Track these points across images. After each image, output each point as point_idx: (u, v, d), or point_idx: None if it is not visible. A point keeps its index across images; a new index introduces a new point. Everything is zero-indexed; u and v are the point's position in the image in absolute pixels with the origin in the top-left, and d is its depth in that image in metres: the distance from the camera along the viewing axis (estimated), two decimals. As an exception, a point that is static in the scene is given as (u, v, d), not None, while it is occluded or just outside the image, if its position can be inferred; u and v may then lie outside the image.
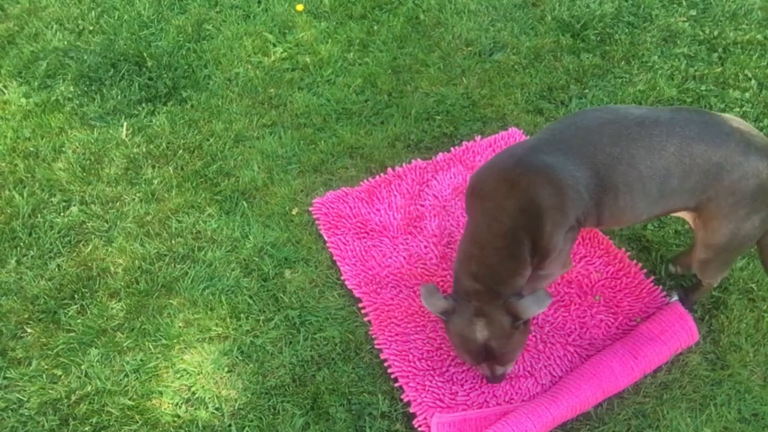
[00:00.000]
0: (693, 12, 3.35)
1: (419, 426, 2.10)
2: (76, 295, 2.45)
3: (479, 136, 2.87)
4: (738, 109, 2.88)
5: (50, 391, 2.22)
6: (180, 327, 2.36)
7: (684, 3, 3.40)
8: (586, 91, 3.04)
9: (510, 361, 2.04)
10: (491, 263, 1.90)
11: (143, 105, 3.08)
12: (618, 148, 1.81)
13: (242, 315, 2.38)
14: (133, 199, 2.74)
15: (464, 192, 2.09)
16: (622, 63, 3.15)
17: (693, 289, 2.31)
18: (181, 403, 2.19)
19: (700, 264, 2.07)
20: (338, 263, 2.50)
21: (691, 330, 2.15)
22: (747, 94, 2.93)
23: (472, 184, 2.01)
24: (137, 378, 2.24)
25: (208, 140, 2.94)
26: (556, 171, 1.82)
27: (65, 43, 3.37)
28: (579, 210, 1.86)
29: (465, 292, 1.95)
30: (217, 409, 2.18)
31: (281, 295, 2.43)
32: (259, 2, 3.54)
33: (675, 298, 2.32)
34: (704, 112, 1.93)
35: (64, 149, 2.93)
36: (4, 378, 2.26)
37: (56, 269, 2.53)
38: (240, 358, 2.28)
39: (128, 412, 2.17)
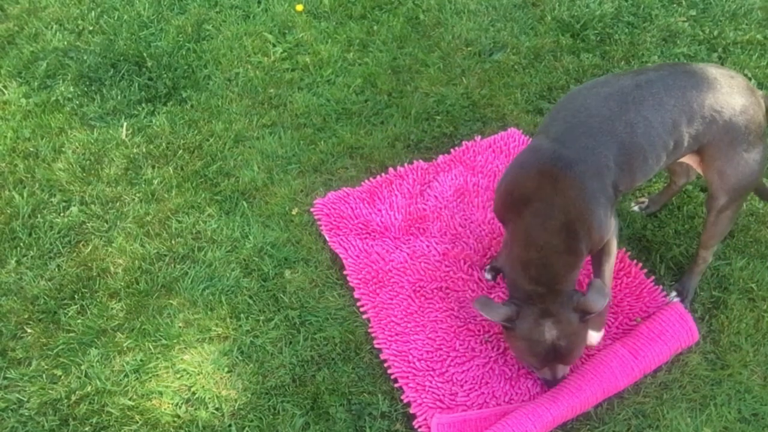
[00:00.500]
0: (693, 12, 3.35)
1: (419, 427, 2.10)
2: (76, 295, 2.45)
3: (479, 136, 2.87)
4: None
5: (50, 392, 2.22)
6: (180, 327, 2.36)
7: (684, 3, 3.40)
8: (586, 91, 3.04)
9: (575, 359, 2.04)
10: (551, 263, 1.90)
11: (143, 105, 3.08)
12: (631, 114, 1.93)
13: (242, 315, 2.38)
14: (133, 200, 2.74)
15: (498, 200, 2.06)
16: (622, 63, 3.15)
17: (688, 275, 2.33)
18: (181, 403, 2.19)
19: (718, 213, 2.15)
20: (342, 258, 2.49)
21: (692, 330, 2.15)
22: (747, 94, 2.93)
23: (508, 189, 2.00)
24: (137, 378, 2.24)
25: (208, 140, 2.94)
26: (591, 157, 1.89)
27: (65, 43, 3.37)
28: (615, 183, 1.94)
29: (526, 296, 1.94)
30: (217, 409, 2.18)
31: (281, 295, 2.43)
32: (259, 2, 3.54)
33: (674, 294, 2.33)
34: (684, 64, 2.09)
35: (64, 149, 2.93)
36: (4, 378, 2.26)
37: (56, 269, 2.53)
38: (240, 358, 2.28)
39: (128, 413, 2.17)
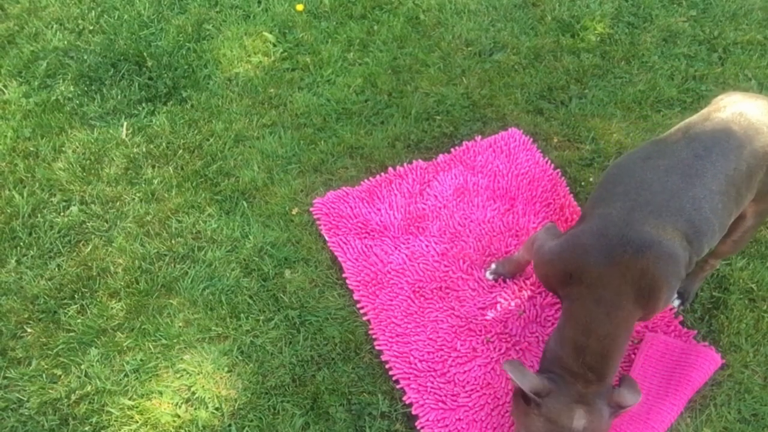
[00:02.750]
0: (693, 12, 3.35)
1: (421, 427, 2.10)
2: (76, 295, 2.45)
3: (479, 136, 2.88)
4: (738, 110, 2.88)
5: (50, 391, 2.22)
6: (180, 327, 2.36)
7: (684, 3, 3.40)
8: (586, 91, 3.04)
9: None
10: (608, 352, 1.78)
11: (143, 105, 3.08)
12: (697, 188, 1.83)
13: (242, 315, 2.38)
14: (133, 199, 2.74)
15: (552, 275, 1.95)
16: (622, 63, 3.15)
17: (692, 279, 2.33)
18: (181, 403, 2.19)
19: (743, 233, 2.14)
20: (340, 261, 2.50)
21: (718, 362, 2.17)
22: (747, 95, 2.93)
23: (567, 269, 1.87)
24: (137, 378, 2.24)
25: (208, 140, 2.94)
26: (664, 238, 1.77)
27: (65, 42, 3.37)
28: (688, 262, 1.85)
29: (569, 373, 1.80)
30: (216, 409, 2.18)
31: (281, 295, 2.43)
32: (259, 2, 3.54)
33: (674, 296, 2.32)
34: (722, 114, 1.98)
35: (64, 149, 2.92)
36: (4, 378, 2.26)
37: (56, 269, 2.53)
38: (240, 358, 2.28)
39: (128, 412, 2.17)
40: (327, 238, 2.57)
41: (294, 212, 2.68)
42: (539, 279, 2.09)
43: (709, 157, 1.87)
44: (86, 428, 2.15)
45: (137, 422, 2.15)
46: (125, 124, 3.02)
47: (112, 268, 2.53)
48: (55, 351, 2.31)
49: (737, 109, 1.97)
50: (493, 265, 2.44)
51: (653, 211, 1.80)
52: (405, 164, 2.79)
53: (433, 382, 2.19)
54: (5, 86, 3.21)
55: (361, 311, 2.38)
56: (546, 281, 2.02)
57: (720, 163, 1.87)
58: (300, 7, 3.46)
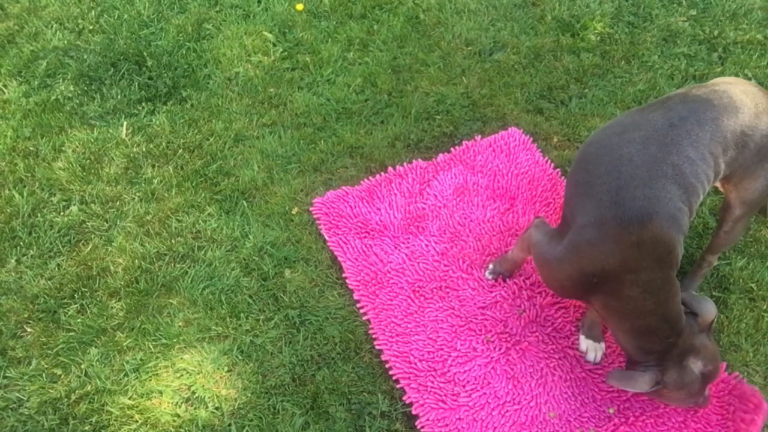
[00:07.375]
0: (693, 12, 3.35)
1: (421, 427, 2.10)
2: (76, 295, 2.45)
3: (479, 136, 2.87)
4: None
5: (50, 391, 2.22)
6: (180, 326, 2.36)
7: (684, 3, 3.40)
8: (586, 90, 3.04)
9: (720, 371, 1.97)
10: (668, 315, 1.84)
11: (143, 104, 3.08)
12: (675, 156, 1.86)
13: (242, 314, 2.38)
14: (133, 199, 2.74)
15: (569, 284, 1.96)
16: (622, 63, 3.15)
17: (691, 278, 2.34)
18: (181, 403, 2.19)
19: (733, 223, 2.16)
20: (340, 260, 2.50)
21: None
22: (747, 94, 2.93)
23: (585, 271, 1.87)
24: (137, 377, 2.24)
25: (208, 140, 2.94)
26: (659, 204, 1.80)
27: (65, 42, 3.37)
28: (686, 223, 1.89)
29: (661, 353, 1.87)
30: (216, 408, 2.18)
31: (281, 294, 2.43)
32: (259, 2, 3.53)
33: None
34: (707, 88, 2.00)
35: (64, 149, 2.92)
36: (4, 377, 2.26)
37: (56, 268, 2.53)
38: (240, 357, 2.28)
39: (128, 412, 2.17)
40: (327, 238, 2.57)
41: (294, 212, 2.68)
42: (556, 292, 2.10)
43: (684, 125, 1.90)
44: (86, 428, 2.15)
45: (137, 422, 2.15)
46: (125, 123, 3.02)
47: (112, 267, 2.53)
48: (55, 350, 2.31)
49: (723, 88, 1.99)
50: (491, 265, 2.44)
51: (639, 184, 1.81)
52: (405, 164, 2.79)
53: (433, 382, 2.19)
54: (5, 86, 3.20)
55: (361, 311, 2.38)
56: (564, 292, 2.03)
57: (695, 132, 1.89)
58: (300, 6, 3.46)
